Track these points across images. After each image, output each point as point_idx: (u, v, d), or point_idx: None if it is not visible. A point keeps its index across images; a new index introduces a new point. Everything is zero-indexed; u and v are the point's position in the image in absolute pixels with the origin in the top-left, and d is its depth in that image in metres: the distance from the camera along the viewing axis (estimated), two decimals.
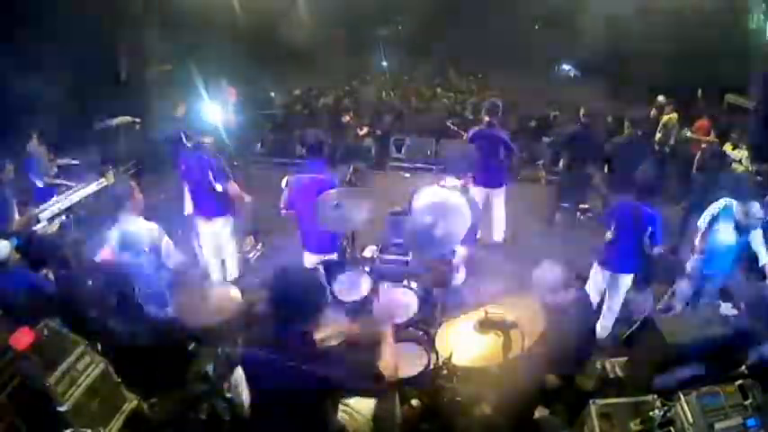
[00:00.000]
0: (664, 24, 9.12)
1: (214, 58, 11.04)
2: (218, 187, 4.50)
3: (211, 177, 4.47)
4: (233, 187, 4.58)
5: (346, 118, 8.60)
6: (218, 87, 7.30)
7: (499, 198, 5.64)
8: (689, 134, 7.16)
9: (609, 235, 3.88)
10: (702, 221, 4.08)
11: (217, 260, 4.95)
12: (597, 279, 4.15)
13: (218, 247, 4.90)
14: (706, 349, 3.08)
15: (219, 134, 6.43)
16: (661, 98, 7.82)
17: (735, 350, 3.03)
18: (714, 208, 4.03)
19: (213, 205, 4.64)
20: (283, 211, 4.16)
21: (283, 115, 10.47)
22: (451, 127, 6.47)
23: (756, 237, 3.83)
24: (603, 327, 4.18)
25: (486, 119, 5.37)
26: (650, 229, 3.76)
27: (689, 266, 4.22)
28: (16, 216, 4.78)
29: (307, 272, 2.15)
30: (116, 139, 7.63)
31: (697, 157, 6.57)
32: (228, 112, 7.33)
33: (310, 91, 12.04)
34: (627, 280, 4.07)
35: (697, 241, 4.15)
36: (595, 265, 4.18)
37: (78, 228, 5.30)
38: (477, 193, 5.49)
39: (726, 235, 3.92)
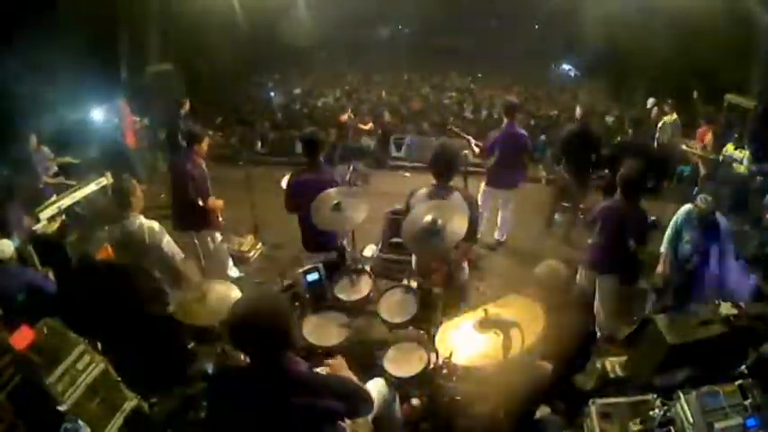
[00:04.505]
0: (664, 24, 9.11)
1: (214, 59, 11.12)
2: (199, 201, 4.40)
3: (191, 190, 4.34)
4: (212, 203, 4.49)
5: (344, 117, 8.60)
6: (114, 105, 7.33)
7: (511, 199, 5.63)
8: (684, 147, 7.14)
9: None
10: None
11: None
12: (582, 280, 4.16)
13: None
14: (706, 349, 3.08)
15: None
16: (651, 100, 7.82)
17: (735, 350, 3.03)
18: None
19: (192, 218, 4.50)
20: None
21: (284, 115, 10.47)
22: (453, 129, 6.46)
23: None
24: (600, 326, 4.18)
25: (506, 119, 5.30)
26: (635, 229, 3.76)
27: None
28: (25, 220, 4.81)
29: (267, 301, 1.85)
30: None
31: (701, 165, 6.59)
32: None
33: (310, 91, 12.06)
34: (611, 280, 4.07)
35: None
36: (580, 267, 4.19)
37: (78, 227, 5.30)
38: (491, 194, 5.49)
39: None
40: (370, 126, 8.83)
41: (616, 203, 3.78)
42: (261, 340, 1.75)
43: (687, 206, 4.11)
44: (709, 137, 6.82)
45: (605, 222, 3.82)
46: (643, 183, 3.83)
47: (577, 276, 4.19)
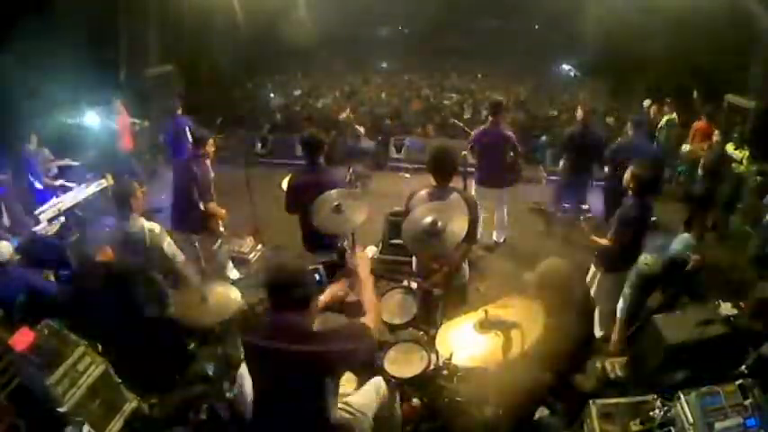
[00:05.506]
0: (664, 24, 9.11)
1: (214, 60, 11.12)
2: (201, 205, 4.38)
3: (194, 192, 4.33)
4: (213, 208, 4.47)
5: (343, 114, 8.57)
6: (110, 105, 7.27)
7: (503, 199, 5.62)
8: (686, 148, 7.10)
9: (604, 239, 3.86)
10: None
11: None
12: (593, 279, 4.14)
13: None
14: (706, 349, 3.09)
15: None
16: (647, 102, 7.78)
17: (735, 350, 3.03)
18: None
19: (193, 220, 4.47)
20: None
21: (283, 116, 10.47)
22: (458, 124, 6.47)
23: None
24: (601, 327, 4.17)
25: (491, 118, 5.30)
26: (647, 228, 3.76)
27: None
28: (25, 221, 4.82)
29: (297, 263, 2.25)
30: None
31: (701, 162, 6.55)
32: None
33: (310, 92, 12.05)
34: (619, 278, 4.04)
35: None
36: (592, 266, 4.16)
37: (78, 228, 5.30)
38: (481, 193, 5.48)
39: None
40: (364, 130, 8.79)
41: (630, 204, 3.75)
42: (287, 285, 2.07)
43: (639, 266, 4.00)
44: (715, 135, 6.76)
45: (622, 223, 3.79)
46: (656, 181, 3.79)
47: (588, 276, 4.14)
